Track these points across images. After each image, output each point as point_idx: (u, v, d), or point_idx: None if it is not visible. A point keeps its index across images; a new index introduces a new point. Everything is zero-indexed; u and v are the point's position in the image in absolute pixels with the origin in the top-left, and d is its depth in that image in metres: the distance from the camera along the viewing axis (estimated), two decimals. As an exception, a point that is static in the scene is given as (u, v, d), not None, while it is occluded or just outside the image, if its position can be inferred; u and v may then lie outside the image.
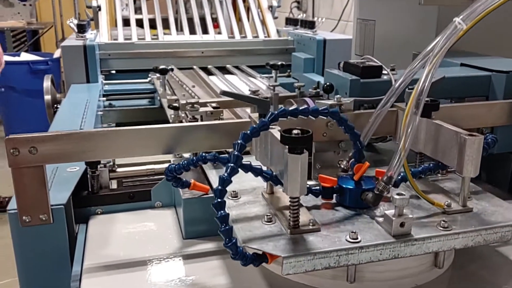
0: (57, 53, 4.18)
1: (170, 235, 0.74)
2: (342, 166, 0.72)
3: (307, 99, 0.82)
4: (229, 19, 2.07)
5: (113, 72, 1.78)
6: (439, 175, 0.75)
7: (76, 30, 1.67)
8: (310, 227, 0.59)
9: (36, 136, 0.63)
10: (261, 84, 1.53)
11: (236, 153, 0.57)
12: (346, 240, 0.57)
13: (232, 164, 0.57)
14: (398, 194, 0.58)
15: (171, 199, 0.83)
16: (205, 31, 2.03)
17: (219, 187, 0.55)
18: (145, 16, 1.95)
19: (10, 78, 3.90)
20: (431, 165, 0.71)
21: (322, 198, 0.66)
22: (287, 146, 0.55)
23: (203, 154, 0.65)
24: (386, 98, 0.71)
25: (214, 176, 0.77)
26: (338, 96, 0.74)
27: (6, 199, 3.05)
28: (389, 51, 1.28)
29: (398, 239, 0.57)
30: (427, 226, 0.61)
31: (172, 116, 1.09)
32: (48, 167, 0.66)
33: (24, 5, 4.71)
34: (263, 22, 2.12)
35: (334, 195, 0.66)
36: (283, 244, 0.56)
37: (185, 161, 0.65)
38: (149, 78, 1.68)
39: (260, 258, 0.57)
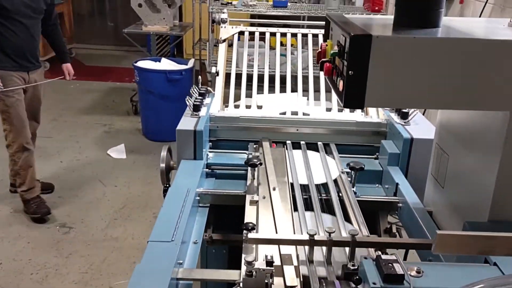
0: (190, 63, 4.63)
1: None
2: None
3: (336, 284, 0.98)
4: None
5: (219, 139, 2.06)
6: None
7: (192, 109, 1.96)
8: None
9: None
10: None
11: None
12: None
13: None
14: None
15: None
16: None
17: None
18: (255, 88, 2.18)
19: (150, 83, 4.47)
20: None
21: None
22: None
23: None
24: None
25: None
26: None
27: None
28: (457, 195, 1.35)
29: None
30: None
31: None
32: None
33: (169, 6, 5.19)
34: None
35: None
36: None
37: None
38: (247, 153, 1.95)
39: None
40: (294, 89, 2.34)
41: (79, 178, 3.86)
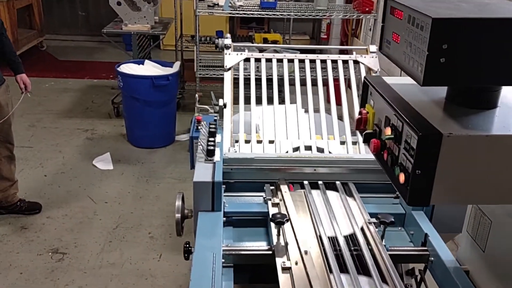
0: (176, 66, 4.46)
1: None
2: None
3: None
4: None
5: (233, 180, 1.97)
6: None
7: (206, 154, 1.85)
8: None
9: None
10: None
11: None
12: None
13: None
14: None
15: None
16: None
17: None
18: (264, 128, 2.09)
19: (135, 90, 4.29)
20: None
21: None
22: None
23: None
24: None
25: None
26: None
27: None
28: (504, 266, 1.31)
29: None
30: None
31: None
32: None
33: (149, 3, 4.95)
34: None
35: None
36: None
37: None
38: (264, 197, 1.88)
39: None
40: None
41: (67, 194, 3.70)
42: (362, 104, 1.33)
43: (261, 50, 3.98)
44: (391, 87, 1.23)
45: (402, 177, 1.03)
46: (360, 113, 1.29)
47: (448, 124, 1.00)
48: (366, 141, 1.23)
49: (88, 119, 5.05)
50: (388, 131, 1.11)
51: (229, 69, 2.26)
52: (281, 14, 4.21)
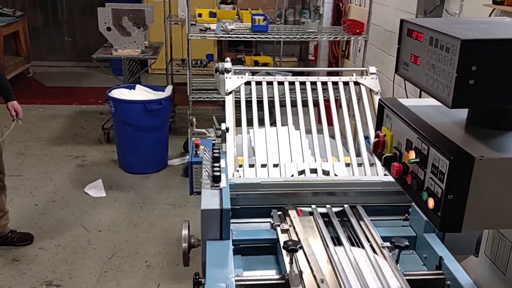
0: (167, 91, 4.43)
1: None
2: None
3: None
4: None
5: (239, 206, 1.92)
6: None
7: (212, 180, 1.81)
8: None
9: None
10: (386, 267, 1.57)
11: None
12: None
13: None
14: None
15: None
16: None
17: None
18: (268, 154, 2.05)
19: (127, 115, 4.24)
20: None
21: None
22: None
23: None
24: None
25: None
26: None
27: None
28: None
29: None
30: None
31: None
32: None
33: (139, 28, 4.93)
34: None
35: None
36: None
37: None
38: (271, 223, 1.84)
39: None
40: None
41: (59, 223, 3.60)
42: (378, 127, 1.31)
43: (253, 73, 3.99)
44: (409, 109, 1.21)
45: (431, 203, 1.00)
46: (377, 136, 1.27)
47: (477, 147, 0.97)
48: (386, 164, 1.20)
49: (78, 146, 4.97)
50: (412, 155, 1.08)
51: (230, 92, 2.23)
52: (273, 37, 4.23)
